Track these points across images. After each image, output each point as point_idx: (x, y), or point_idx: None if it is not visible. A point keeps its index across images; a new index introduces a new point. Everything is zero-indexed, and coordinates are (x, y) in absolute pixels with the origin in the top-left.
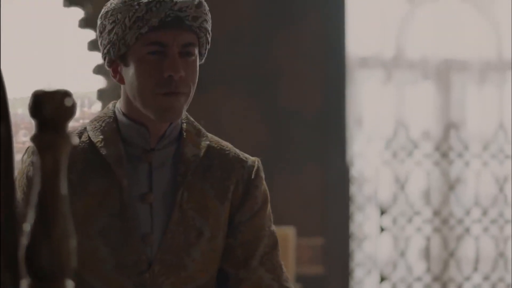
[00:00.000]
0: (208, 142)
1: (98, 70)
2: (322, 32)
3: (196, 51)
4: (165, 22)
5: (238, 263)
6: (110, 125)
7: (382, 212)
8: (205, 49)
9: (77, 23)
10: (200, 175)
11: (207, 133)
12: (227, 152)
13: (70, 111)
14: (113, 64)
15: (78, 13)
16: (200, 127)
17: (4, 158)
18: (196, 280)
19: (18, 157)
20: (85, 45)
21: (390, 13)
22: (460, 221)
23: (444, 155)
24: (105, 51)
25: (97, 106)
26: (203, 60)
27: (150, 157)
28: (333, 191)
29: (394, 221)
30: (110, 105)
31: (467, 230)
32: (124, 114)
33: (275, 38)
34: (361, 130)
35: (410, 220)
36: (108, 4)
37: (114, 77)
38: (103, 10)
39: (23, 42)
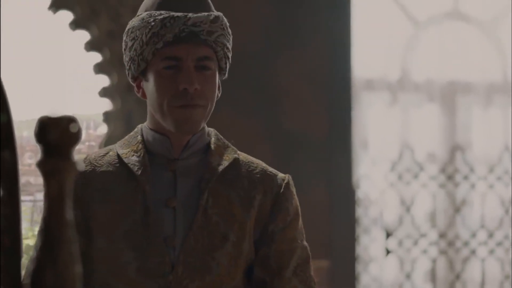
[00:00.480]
0: (236, 155)
1: (103, 92)
2: (327, 54)
3: (214, 65)
4: (179, 37)
5: (273, 272)
6: (135, 139)
7: (388, 234)
8: (225, 64)
9: (83, 46)
10: (226, 183)
11: (237, 150)
12: (255, 165)
13: (75, 137)
14: (136, 80)
15: (84, 36)
16: (230, 144)
17: (9, 183)
18: (222, 285)
19: (24, 179)
20: (91, 68)
21: (395, 35)
22: (466, 244)
23: (450, 177)
24: (128, 67)
25: (102, 129)
26: (226, 75)
27: (174, 166)
28: (339, 213)
29: (400, 243)
30: (139, 125)
31: (473, 252)
32: (149, 128)
33: (280, 60)
34: (366, 152)
35: (416, 243)
36: (130, 22)
37: (138, 92)
38: (126, 28)
39: (29, 65)
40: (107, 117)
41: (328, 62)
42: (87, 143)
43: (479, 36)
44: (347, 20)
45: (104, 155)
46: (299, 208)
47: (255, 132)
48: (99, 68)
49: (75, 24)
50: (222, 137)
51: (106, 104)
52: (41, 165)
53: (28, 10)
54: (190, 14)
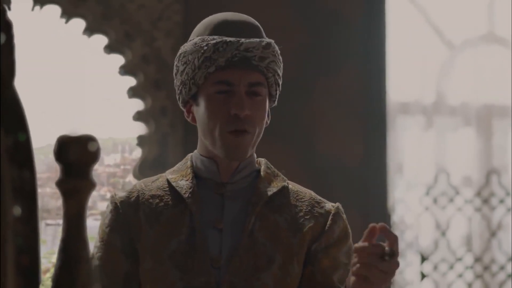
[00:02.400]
0: (285, 183)
1: (138, 116)
2: (362, 78)
3: (265, 92)
4: (232, 62)
5: (319, 286)
6: (185, 165)
7: (423, 258)
8: (276, 91)
9: (117, 70)
10: (274, 209)
11: (287, 179)
12: (305, 193)
13: (94, 156)
14: (186, 105)
15: (118, 60)
16: (279, 173)
17: (28, 202)
18: None
19: (59, 203)
20: (125, 92)
21: (430, 59)
22: (502, 268)
23: (486, 201)
24: (178, 91)
25: (138, 152)
26: (275, 103)
27: (222, 190)
28: None
29: (435, 267)
30: (189, 154)
31: (510, 276)
32: (199, 154)
33: (315, 84)
34: (401, 176)
35: (451, 267)
36: (182, 47)
37: (188, 117)
38: (178, 53)
39: (65, 89)
40: (141, 140)
41: (363, 86)
42: (122, 167)
43: None
44: (382, 44)
45: (154, 181)
46: (348, 234)
47: (290, 157)
48: (133, 92)
49: (110, 48)
50: (272, 166)
51: (140, 128)
52: (60, 184)
53: (64, 35)
54: (242, 39)
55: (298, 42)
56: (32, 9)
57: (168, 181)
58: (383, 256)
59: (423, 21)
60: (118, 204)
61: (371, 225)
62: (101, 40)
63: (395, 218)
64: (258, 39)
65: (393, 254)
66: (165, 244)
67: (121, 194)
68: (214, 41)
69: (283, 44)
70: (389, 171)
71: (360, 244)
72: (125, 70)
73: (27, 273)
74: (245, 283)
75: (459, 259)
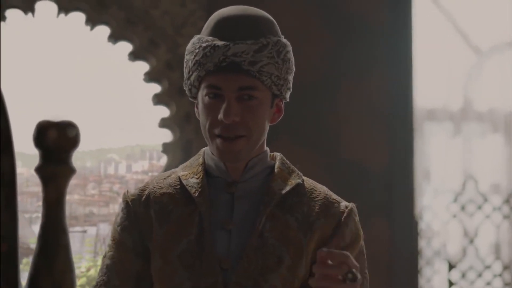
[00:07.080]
0: (299, 181)
1: (163, 123)
2: (389, 84)
3: (261, 94)
4: (220, 67)
5: None
6: (197, 162)
7: (451, 266)
8: (279, 90)
9: (142, 77)
10: (285, 208)
11: (302, 176)
12: (318, 192)
13: (73, 141)
14: (195, 99)
15: (143, 67)
16: (295, 169)
17: (7, 188)
18: None
19: (87, 209)
20: (150, 99)
21: (457, 65)
22: None
23: None
24: (184, 87)
25: (165, 159)
26: (287, 99)
27: (232, 188)
28: (401, 245)
29: (463, 275)
30: (203, 149)
31: None
32: (210, 151)
33: (340, 89)
34: (429, 183)
35: (479, 275)
36: (191, 40)
37: (196, 112)
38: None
39: (93, 96)
40: (166, 147)
41: (389, 92)
42: (150, 174)
43: None
44: (408, 49)
45: (166, 178)
46: (359, 236)
47: (314, 162)
48: (157, 99)
49: (134, 55)
50: (287, 161)
51: (166, 135)
52: (40, 170)
53: (90, 43)
54: (231, 44)
55: (324, 47)
56: (57, 16)
57: (179, 178)
58: (345, 279)
59: (449, 27)
60: (130, 203)
61: (319, 254)
62: (125, 47)
63: (423, 225)
64: (250, 42)
65: (355, 278)
66: (174, 244)
67: (133, 192)
68: (204, 45)
69: (308, 49)
70: (416, 178)
71: (321, 265)
72: (149, 77)
73: (6, 259)
74: (253, 284)
75: (488, 267)
